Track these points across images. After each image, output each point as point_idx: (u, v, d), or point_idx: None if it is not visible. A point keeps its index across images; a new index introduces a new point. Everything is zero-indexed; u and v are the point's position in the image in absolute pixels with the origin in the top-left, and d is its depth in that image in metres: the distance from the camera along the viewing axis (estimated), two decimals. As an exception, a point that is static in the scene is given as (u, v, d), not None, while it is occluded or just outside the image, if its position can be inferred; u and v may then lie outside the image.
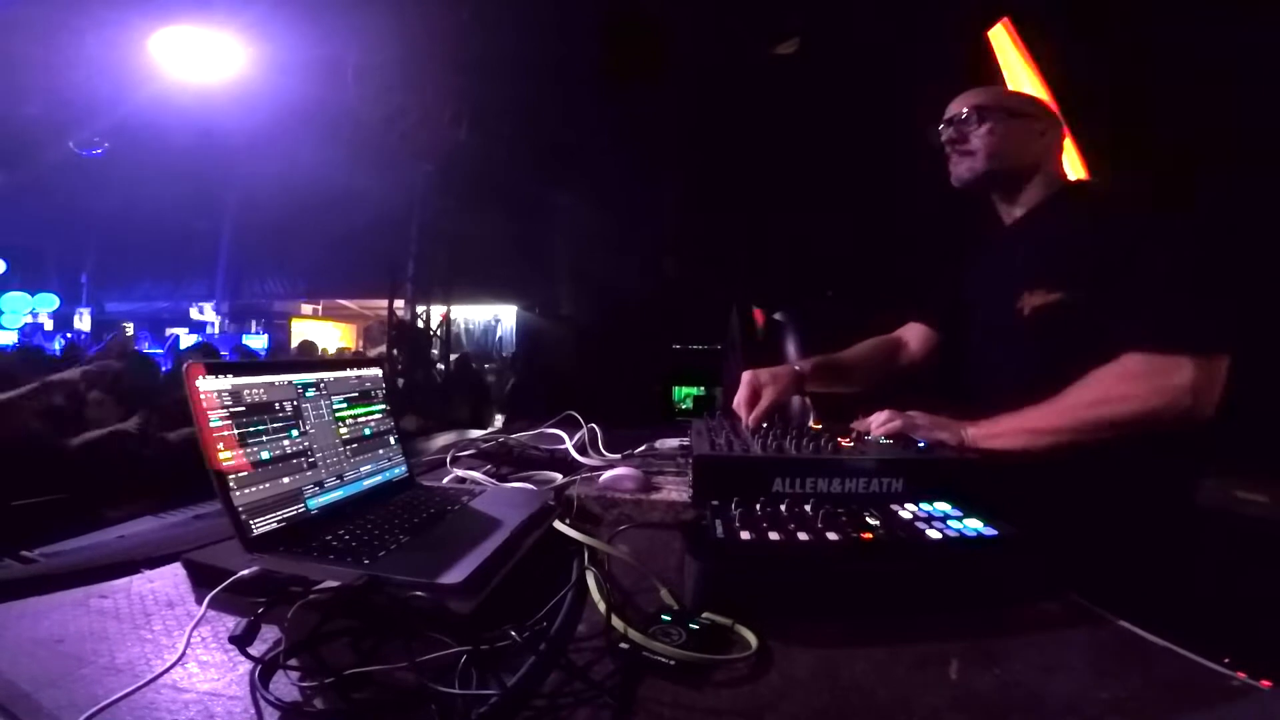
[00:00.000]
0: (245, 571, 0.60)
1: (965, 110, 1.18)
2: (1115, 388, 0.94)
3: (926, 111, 1.27)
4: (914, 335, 1.44)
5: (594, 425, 1.32)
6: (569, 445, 1.26)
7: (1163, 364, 0.91)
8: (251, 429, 0.73)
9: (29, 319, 10.53)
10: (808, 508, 0.73)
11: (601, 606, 0.60)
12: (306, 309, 12.11)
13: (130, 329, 10.65)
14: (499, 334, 10.70)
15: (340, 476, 0.84)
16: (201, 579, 0.65)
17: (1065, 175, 1.21)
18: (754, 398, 1.14)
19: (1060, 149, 1.21)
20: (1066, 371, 0.97)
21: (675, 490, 0.98)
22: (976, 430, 0.99)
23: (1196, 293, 0.94)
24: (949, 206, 1.34)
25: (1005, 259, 1.19)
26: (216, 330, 11.45)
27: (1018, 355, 1.12)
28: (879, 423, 1.00)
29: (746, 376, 1.17)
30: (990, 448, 0.97)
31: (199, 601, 0.60)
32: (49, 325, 10.91)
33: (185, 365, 0.69)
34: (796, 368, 1.24)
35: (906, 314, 1.47)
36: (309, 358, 5.96)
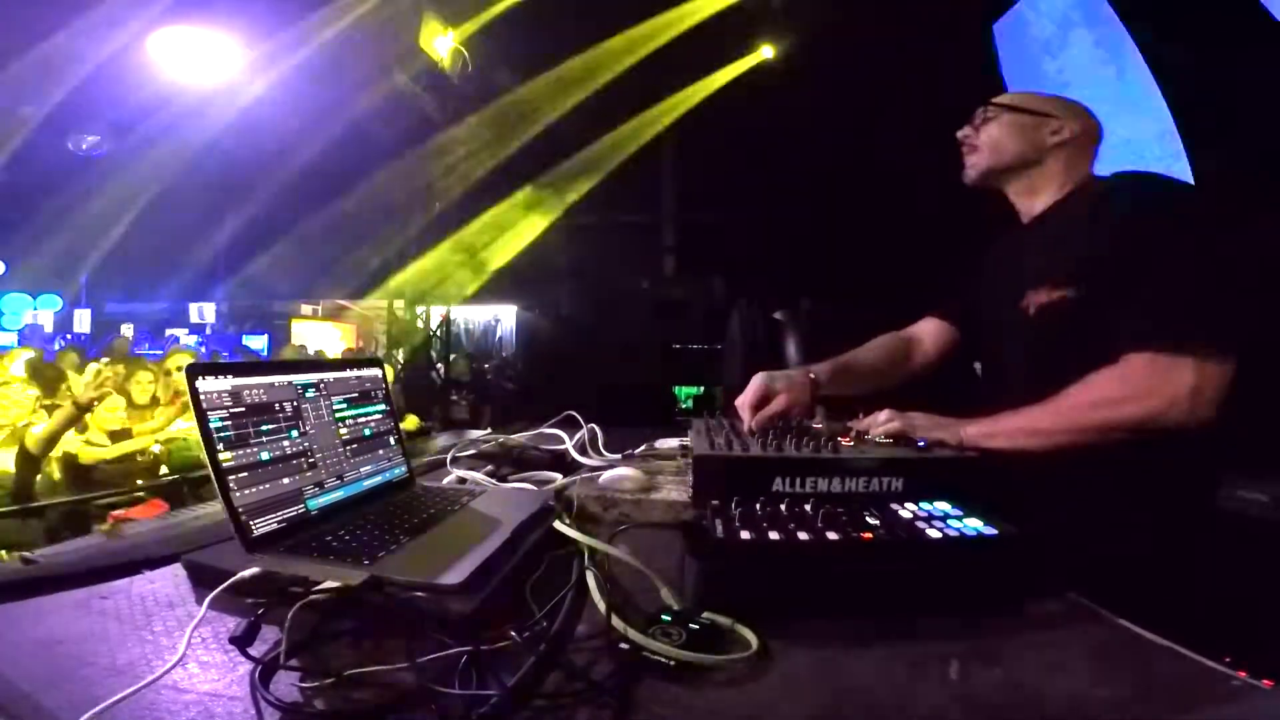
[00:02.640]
0: (245, 572, 0.60)
1: (976, 110, 1.20)
2: (1114, 390, 0.92)
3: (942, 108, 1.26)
4: (929, 332, 1.37)
5: (594, 425, 1.32)
6: (569, 445, 1.26)
7: (1164, 366, 0.90)
8: (252, 429, 0.73)
9: (29, 320, 10.51)
10: (808, 507, 0.73)
11: (601, 606, 0.60)
12: (306, 309, 12.09)
13: (129, 330, 10.62)
14: (499, 334, 10.69)
15: (340, 477, 0.84)
16: (202, 579, 0.65)
17: (1090, 175, 1.16)
18: (763, 401, 1.09)
19: (1084, 149, 1.16)
20: (1070, 371, 0.96)
21: (675, 490, 0.98)
22: (975, 429, 0.98)
23: (1202, 294, 0.93)
24: (966, 205, 1.33)
25: (1014, 257, 1.18)
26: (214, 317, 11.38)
27: (1022, 354, 1.11)
28: (879, 423, 1.00)
29: (760, 378, 1.12)
30: (988, 447, 0.96)
31: (199, 602, 0.60)
32: (49, 327, 10.88)
33: (185, 366, 0.70)
34: (811, 375, 1.17)
35: (924, 308, 1.40)
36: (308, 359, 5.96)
